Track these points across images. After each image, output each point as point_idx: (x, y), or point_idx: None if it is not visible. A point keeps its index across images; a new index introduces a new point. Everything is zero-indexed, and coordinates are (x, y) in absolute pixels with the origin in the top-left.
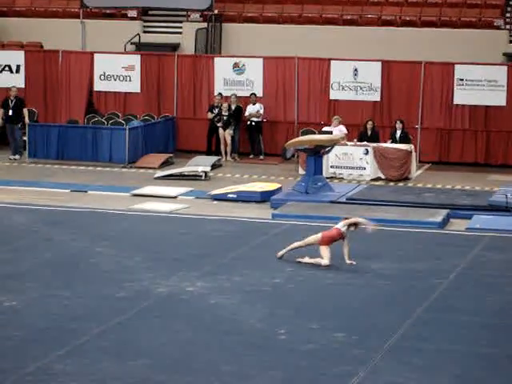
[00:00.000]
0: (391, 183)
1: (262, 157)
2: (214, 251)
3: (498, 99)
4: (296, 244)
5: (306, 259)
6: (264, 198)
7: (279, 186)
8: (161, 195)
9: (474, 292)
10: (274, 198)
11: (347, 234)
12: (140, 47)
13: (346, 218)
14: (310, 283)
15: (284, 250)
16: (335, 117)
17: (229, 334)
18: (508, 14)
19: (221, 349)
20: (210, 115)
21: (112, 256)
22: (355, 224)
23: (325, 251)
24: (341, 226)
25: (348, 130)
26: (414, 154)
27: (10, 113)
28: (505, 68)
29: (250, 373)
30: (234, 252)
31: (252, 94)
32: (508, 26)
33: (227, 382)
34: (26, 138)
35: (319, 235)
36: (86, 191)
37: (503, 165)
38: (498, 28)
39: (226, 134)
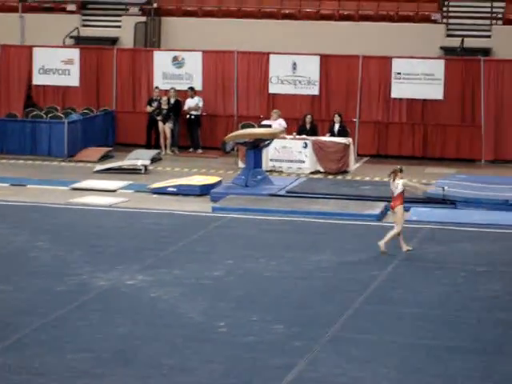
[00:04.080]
0: (330, 176)
1: (200, 150)
2: (154, 245)
3: (435, 93)
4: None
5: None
6: (204, 191)
7: (219, 179)
8: (100, 189)
9: (411, 284)
10: (214, 192)
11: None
12: (79, 41)
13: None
14: (250, 276)
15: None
16: (274, 110)
17: (169, 327)
18: (445, 8)
19: (161, 342)
20: (149, 109)
21: (52, 250)
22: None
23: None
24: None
25: (287, 124)
26: (352, 147)
27: None
28: (442, 62)
29: (190, 365)
30: (175, 245)
31: (190, 87)
32: (445, 20)
33: (168, 375)
34: None
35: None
36: (25, 185)
37: (440, 158)
38: (435, 22)
39: (166, 128)
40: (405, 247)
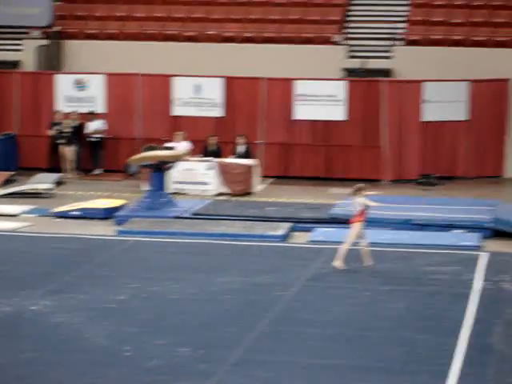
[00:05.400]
0: (235, 198)
1: (98, 171)
2: (58, 269)
3: (338, 114)
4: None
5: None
6: (108, 214)
7: (123, 202)
8: (2, 213)
9: (317, 304)
10: (119, 215)
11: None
12: None
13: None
14: (154, 299)
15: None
16: (178, 133)
17: (74, 352)
18: (346, 30)
19: (66, 367)
20: (51, 132)
21: None
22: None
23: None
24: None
25: (192, 146)
26: (256, 168)
27: None
28: (343, 83)
29: None
30: (79, 270)
31: (90, 111)
32: (346, 42)
33: None
34: None
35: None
36: None
37: (343, 178)
38: (336, 43)
39: (69, 151)
40: (338, 263)
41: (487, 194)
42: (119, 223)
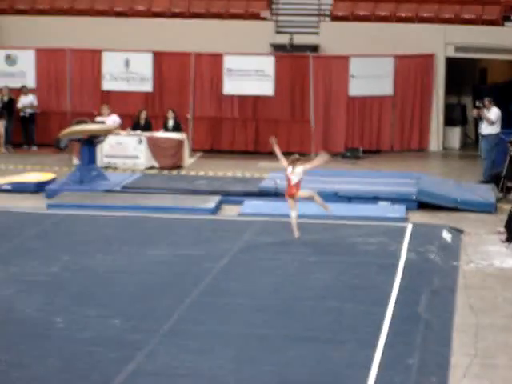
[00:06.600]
0: (165, 171)
1: (35, 148)
2: None
3: (266, 89)
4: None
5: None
6: (39, 188)
7: (54, 176)
8: None
9: (246, 275)
10: (49, 188)
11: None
12: None
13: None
14: (86, 272)
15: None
16: (104, 106)
17: (5, 324)
18: (274, 6)
19: None
20: None
21: None
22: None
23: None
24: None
25: (121, 120)
26: (186, 142)
27: None
28: (272, 58)
29: (27, 361)
30: (10, 243)
31: (23, 86)
32: (274, 17)
33: (4, 371)
34: None
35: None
36: None
37: (271, 152)
38: (264, 19)
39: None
40: (297, 233)
41: (412, 167)
42: (50, 197)
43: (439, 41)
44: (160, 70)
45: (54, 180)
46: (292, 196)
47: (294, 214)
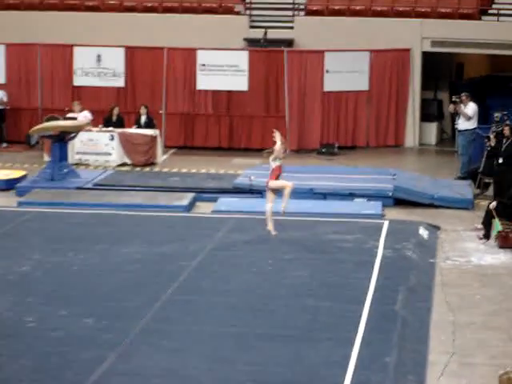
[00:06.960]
0: (138, 168)
1: (5, 145)
2: None
3: (240, 84)
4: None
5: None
6: (9, 185)
7: (24, 173)
8: None
9: (221, 273)
10: (20, 186)
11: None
12: None
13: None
14: (57, 270)
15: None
16: (75, 102)
17: None
18: (248, 0)
19: None
20: None
21: None
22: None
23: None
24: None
25: (93, 116)
26: (159, 139)
27: None
28: (246, 53)
29: None
30: None
31: None
32: (248, 12)
33: None
34: None
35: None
36: None
37: (246, 148)
38: (238, 13)
39: None
40: (271, 227)
41: (388, 163)
42: (20, 194)
43: (415, 35)
44: (132, 66)
45: (24, 177)
46: (267, 185)
47: (268, 207)
